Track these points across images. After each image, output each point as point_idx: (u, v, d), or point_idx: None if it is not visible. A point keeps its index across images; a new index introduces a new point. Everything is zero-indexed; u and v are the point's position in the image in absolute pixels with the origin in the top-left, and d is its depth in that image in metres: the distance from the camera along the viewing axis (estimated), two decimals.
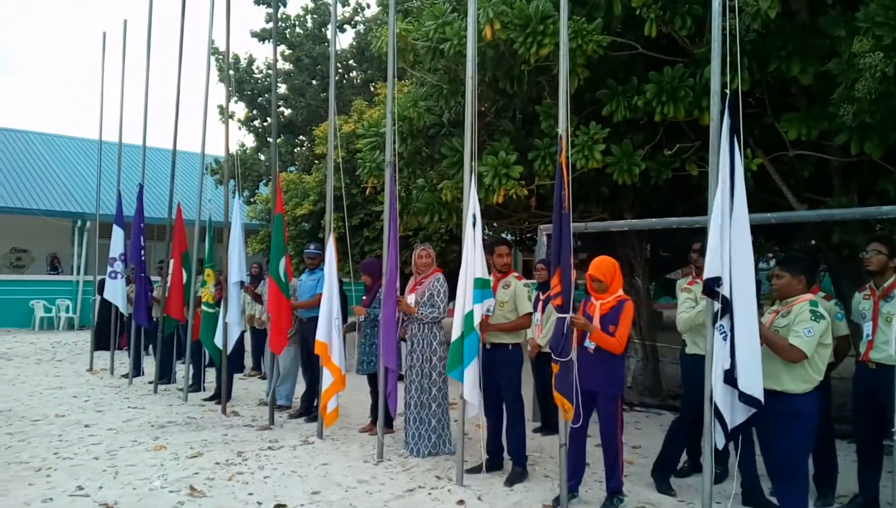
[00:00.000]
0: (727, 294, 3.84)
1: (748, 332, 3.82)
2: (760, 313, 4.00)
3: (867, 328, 4.55)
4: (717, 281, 3.87)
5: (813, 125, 6.07)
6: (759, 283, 4.06)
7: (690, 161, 6.89)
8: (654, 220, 7.24)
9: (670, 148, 6.88)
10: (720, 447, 3.99)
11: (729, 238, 3.84)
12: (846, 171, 6.63)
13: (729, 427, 3.93)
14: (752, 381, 3.81)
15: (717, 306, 3.90)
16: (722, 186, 3.90)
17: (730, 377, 3.83)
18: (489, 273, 5.30)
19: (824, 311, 3.96)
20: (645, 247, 8.85)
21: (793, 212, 6.60)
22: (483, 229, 6.04)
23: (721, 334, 3.88)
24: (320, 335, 6.46)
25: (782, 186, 6.83)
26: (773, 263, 16.39)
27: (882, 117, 5.47)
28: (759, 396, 3.80)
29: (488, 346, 5.39)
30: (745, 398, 3.83)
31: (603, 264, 4.82)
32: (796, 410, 3.91)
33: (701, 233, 6.71)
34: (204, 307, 8.42)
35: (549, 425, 6.96)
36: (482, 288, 5.03)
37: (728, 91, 3.95)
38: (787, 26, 5.88)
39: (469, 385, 5.03)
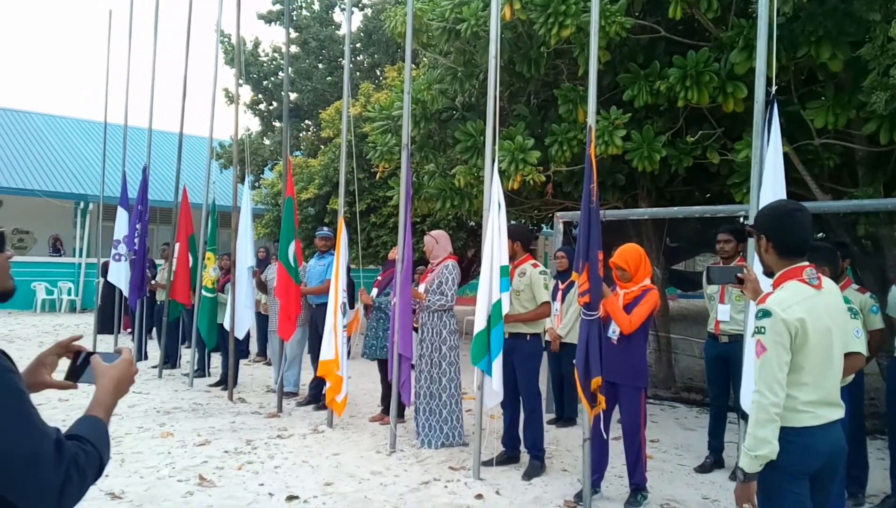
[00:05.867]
0: None
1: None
2: None
3: None
4: None
5: (841, 113, 5.89)
6: None
7: (712, 148, 6.72)
8: (676, 208, 7.07)
9: (692, 134, 6.70)
10: None
11: None
12: (872, 161, 6.45)
13: None
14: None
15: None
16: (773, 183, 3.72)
17: None
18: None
19: (854, 306, 3.81)
20: (663, 236, 8.69)
21: (824, 202, 6.41)
22: None
23: None
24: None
25: (806, 176, 6.64)
26: None
27: None
28: None
29: (506, 336, 5.24)
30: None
31: (627, 253, 4.67)
32: None
33: (724, 222, 6.60)
34: (203, 292, 8.28)
35: (563, 416, 6.83)
36: (505, 276, 4.87)
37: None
38: (817, 10, 5.68)
39: (497, 377, 4.88)
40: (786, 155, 6.39)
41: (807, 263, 2.59)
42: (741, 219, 7.11)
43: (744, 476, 2.48)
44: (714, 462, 5.44)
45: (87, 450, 1.34)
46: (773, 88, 4.01)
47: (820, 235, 11.14)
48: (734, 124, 6.69)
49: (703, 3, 6.02)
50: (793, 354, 2.46)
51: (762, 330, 2.46)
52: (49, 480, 1.24)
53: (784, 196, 3.69)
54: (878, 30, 5.32)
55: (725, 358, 5.30)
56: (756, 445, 2.43)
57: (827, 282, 2.62)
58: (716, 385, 5.47)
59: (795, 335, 2.44)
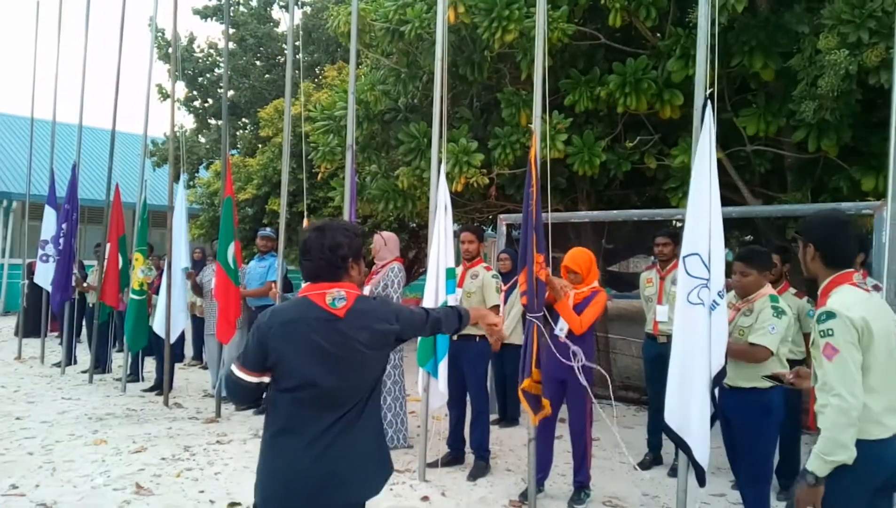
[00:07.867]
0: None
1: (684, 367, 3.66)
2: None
3: None
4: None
5: (771, 121, 6.12)
6: None
7: (649, 154, 6.88)
8: (616, 211, 7.22)
9: (631, 140, 6.86)
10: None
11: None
12: (801, 167, 6.72)
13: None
14: (680, 419, 3.59)
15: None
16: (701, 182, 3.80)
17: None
18: (458, 263, 5.18)
19: (785, 306, 3.91)
20: (601, 239, 8.86)
21: (756, 206, 6.65)
22: None
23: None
24: None
25: (738, 181, 6.88)
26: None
27: (841, 115, 5.55)
28: (686, 440, 3.55)
29: (455, 338, 5.25)
30: (669, 433, 3.65)
31: (578, 256, 4.76)
32: (766, 405, 3.88)
33: (659, 225, 6.79)
34: (131, 294, 8.00)
35: (506, 416, 6.89)
36: (452, 278, 4.89)
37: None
38: (751, 22, 5.90)
39: (442, 379, 4.89)
40: (719, 161, 6.62)
41: (852, 269, 2.58)
42: (675, 222, 7.31)
43: (815, 480, 2.41)
44: (653, 458, 5.57)
45: (436, 314, 2.65)
46: (708, 91, 4.12)
47: (748, 237, 11.54)
48: (671, 130, 6.88)
49: (641, 12, 6.17)
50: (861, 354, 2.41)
51: (830, 332, 2.40)
52: (419, 325, 2.58)
53: (718, 198, 3.77)
54: (806, 42, 5.56)
55: (664, 358, 5.38)
56: (834, 450, 2.37)
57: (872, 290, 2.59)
58: (654, 384, 5.59)
59: (862, 333, 2.40)
